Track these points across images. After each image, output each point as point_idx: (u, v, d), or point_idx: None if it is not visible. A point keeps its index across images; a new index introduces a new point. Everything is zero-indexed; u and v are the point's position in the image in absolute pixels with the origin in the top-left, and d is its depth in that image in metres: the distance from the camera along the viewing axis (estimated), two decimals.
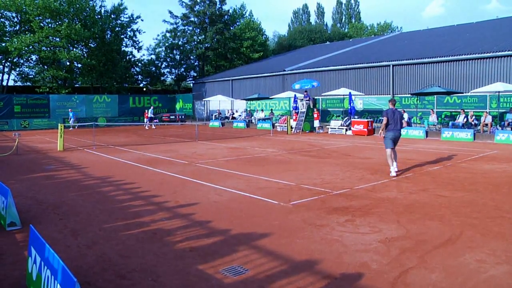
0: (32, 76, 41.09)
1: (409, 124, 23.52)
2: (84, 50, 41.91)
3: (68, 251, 5.20)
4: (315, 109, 26.54)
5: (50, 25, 37.31)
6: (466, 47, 26.09)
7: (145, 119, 35.32)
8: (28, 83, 41.77)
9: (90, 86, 43.93)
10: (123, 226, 6.23)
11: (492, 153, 14.81)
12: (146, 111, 35.48)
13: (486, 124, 20.51)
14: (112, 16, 42.75)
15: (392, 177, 10.13)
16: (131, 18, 44.17)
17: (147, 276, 4.44)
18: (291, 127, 26.38)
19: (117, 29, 43.38)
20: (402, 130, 11.05)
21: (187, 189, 8.88)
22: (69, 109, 34.76)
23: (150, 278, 4.39)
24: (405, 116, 23.55)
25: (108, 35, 42.85)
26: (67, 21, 36.71)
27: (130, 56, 47.20)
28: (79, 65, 40.79)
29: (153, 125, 34.00)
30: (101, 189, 8.92)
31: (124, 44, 45.20)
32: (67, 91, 39.01)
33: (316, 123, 26.07)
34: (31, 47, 35.69)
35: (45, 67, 38.92)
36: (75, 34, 36.29)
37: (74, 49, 39.66)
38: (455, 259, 4.80)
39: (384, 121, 10.66)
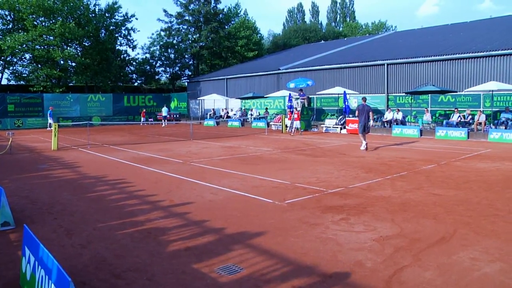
0: (25, 75, 40.79)
1: (403, 123, 23.63)
2: (78, 49, 41.70)
3: (62, 250, 5.18)
4: (295, 110, 25.51)
5: (43, 23, 37.09)
6: (460, 46, 26.20)
7: (142, 118, 35.84)
8: (22, 82, 41.49)
9: (85, 85, 43.72)
10: (118, 225, 6.21)
11: (485, 152, 14.90)
12: (144, 110, 36.30)
13: (480, 123, 20.62)
14: (107, 14, 42.59)
15: (362, 150, 15.35)
16: (126, 17, 44.04)
17: (142, 275, 4.44)
18: (286, 126, 26.38)
19: (111, 27, 43.24)
20: (370, 119, 15.34)
21: (182, 188, 8.87)
22: (50, 107, 34.49)
23: (145, 277, 4.38)
24: (399, 115, 23.70)
25: (103, 34, 42.69)
26: (61, 19, 36.48)
27: (125, 55, 47.04)
28: (73, 64, 40.58)
29: (164, 124, 34.98)
30: (96, 188, 8.89)
31: (118, 43, 45.07)
32: (61, 90, 38.80)
33: (297, 124, 24.61)
34: (24, 45, 35.46)
35: (39, 66, 38.66)
36: (69, 32, 36.09)
37: (68, 48, 39.44)
38: (449, 257, 4.83)
39: (356, 113, 15.77)
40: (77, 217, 6.67)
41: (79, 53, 40.87)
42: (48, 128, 31.13)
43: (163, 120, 35.90)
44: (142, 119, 36.82)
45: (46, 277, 3.34)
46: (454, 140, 19.31)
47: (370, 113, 15.34)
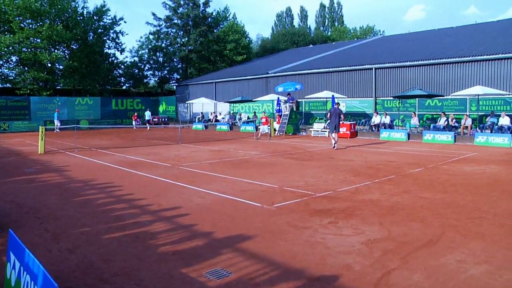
0: (12, 78, 40.26)
1: (391, 126, 23.80)
2: (66, 51, 41.34)
3: (49, 255, 5.12)
4: (263, 113, 24.53)
5: (30, 26, 36.66)
6: (447, 51, 26.50)
7: (134, 122, 35.85)
8: (8, 85, 40.95)
9: (72, 88, 43.32)
10: (106, 229, 6.16)
11: (472, 155, 15.07)
12: (135, 114, 36.30)
13: (466, 127, 20.84)
14: (95, 17, 42.28)
15: (333, 148, 17.25)
16: (114, 20, 43.76)
17: (129, 280, 4.40)
18: (274, 130, 26.43)
19: (99, 30, 42.96)
20: (340, 121, 17.92)
21: (170, 192, 8.83)
22: (56, 109, 34.39)
23: (132, 282, 4.35)
24: (387, 119, 23.87)
25: (91, 37, 42.38)
26: (48, 22, 36.13)
27: (113, 58, 46.71)
28: (61, 67, 40.21)
29: (148, 127, 34.88)
30: (83, 192, 8.81)
31: (106, 46, 44.79)
32: (48, 93, 38.40)
33: (265, 129, 23.50)
34: (10, 48, 35.05)
35: (26, 68, 38.20)
36: (57, 35, 35.75)
37: (56, 51, 39.07)
38: (436, 259, 4.87)
39: (328, 115, 18.46)
40: (64, 222, 6.59)
41: (67, 56, 40.53)
42: (57, 131, 31.03)
43: (146, 124, 36.01)
44: (134, 122, 36.68)
45: (31, 282, 3.29)
46: (441, 144, 19.50)
47: (342, 115, 18.10)
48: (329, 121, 18.76)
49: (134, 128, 35.36)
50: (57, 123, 31.95)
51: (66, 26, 38.00)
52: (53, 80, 40.13)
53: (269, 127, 23.92)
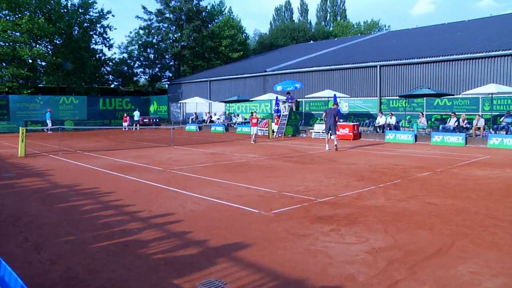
0: None
1: (397, 128, 23.84)
2: (49, 47, 41.16)
3: (29, 267, 5.08)
4: (253, 114, 24.02)
5: (8, 17, 36.24)
6: (458, 46, 26.52)
7: (124, 123, 35.85)
8: None
9: (56, 87, 43.23)
10: (92, 238, 6.13)
11: (485, 158, 15.08)
12: (125, 114, 36.29)
13: (479, 128, 20.74)
14: (80, 10, 42.09)
15: (326, 150, 17.76)
16: (101, 13, 43.67)
17: None
18: (273, 131, 26.44)
19: (85, 25, 42.83)
20: (336, 122, 18.23)
21: (161, 197, 8.81)
22: (49, 109, 34.41)
23: None
24: (393, 119, 23.89)
25: (76, 31, 42.25)
26: (28, 14, 35.66)
27: (100, 55, 46.75)
28: (43, 63, 39.95)
29: (136, 128, 34.98)
30: (68, 198, 8.77)
31: (93, 42, 44.76)
32: (29, 91, 38.21)
33: (254, 130, 22.97)
34: None
35: (4, 64, 37.85)
36: (38, 29, 35.41)
37: (37, 46, 38.85)
38: (446, 270, 4.85)
39: (323, 116, 18.77)
40: (46, 230, 6.56)
41: (50, 52, 40.35)
42: (49, 132, 31.11)
43: (134, 125, 36.04)
44: (125, 123, 36.65)
45: None
46: (451, 146, 19.52)
47: (337, 116, 18.31)
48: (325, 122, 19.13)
49: (125, 130, 35.34)
50: (49, 123, 31.99)
51: (49, 19, 37.68)
52: (34, 78, 39.86)
53: (258, 129, 23.66)
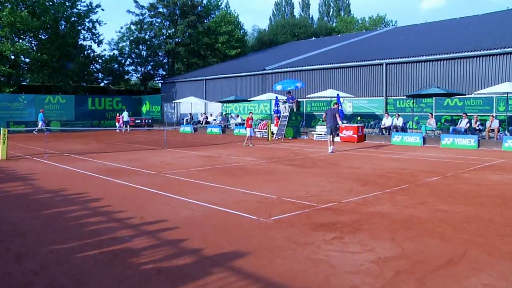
0: None
1: (404, 129, 23.85)
2: (33, 42, 41.00)
3: (9, 280, 5.02)
4: (249, 114, 23.65)
5: None
6: (470, 42, 26.43)
7: (117, 123, 35.82)
8: None
9: (41, 85, 43.16)
10: (79, 247, 6.10)
11: (499, 162, 15.07)
12: (118, 114, 36.17)
13: (493, 130, 20.71)
14: (67, 3, 41.85)
15: (328, 153, 17.89)
16: (90, 7, 43.54)
17: None
18: (272, 133, 26.45)
19: (72, 19, 42.66)
20: (338, 122, 18.61)
21: (154, 203, 8.79)
22: (41, 110, 34.47)
23: None
24: (399, 121, 23.90)
25: (62, 26, 42.09)
26: (10, 6, 35.38)
27: (89, 51, 46.76)
28: (27, 60, 39.76)
29: (127, 129, 34.96)
30: (53, 204, 8.74)
31: (81, 37, 44.71)
32: (12, 89, 38.09)
33: (249, 132, 22.28)
34: None
35: None
36: (21, 23, 35.13)
37: (20, 41, 38.65)
38: (458, 282, 4.82)
39: (323, 117, 19.46)
40: (29, 239, 6.52)
41: (34, 48, 40.24)
42: (35, 133, 31.16)
43: (123, 126, 36.07)
44: (117, 124, 36.60)
45: None
46: (462, 149, 19.51)
47: (337, 115, 18.50)
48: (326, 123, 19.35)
49: (117, 131, 35.27)
50: (41, 124, 32.01)
51: (33, 13, 37.43)
52: (17, 75, 39.71)
53: (253, 130, 23.18)
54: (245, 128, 22.83)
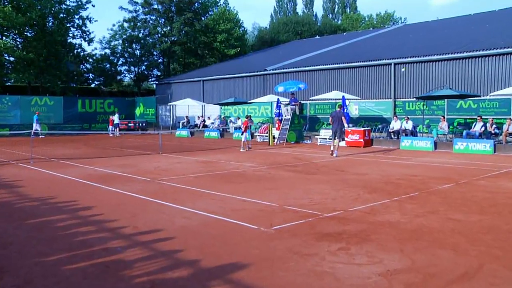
0: None
1: (414, 133, 23.83)
2: (18, 40, 40.91)
3: None
4: (247, 117, 23.71)
5: None
6: (485, 40, 26.35)
7: (110, 127, 35.78)
8: None
9: (27, 86, 43.11)
10: (67, 258, 6.08)
11: None
12: (111, 117, 36.13)
13: (510, 134, 20.65)
14: None
15: (332, 157, 18.40)
16: (79, 3, 43.48)
17: None
18: (274, 137, 26.44)
19: (61, 15, 42.55)
20: (344, 125, 19.13)
21: (148, 211, 8.79)
22: (36, 112, 34.49)
23: None
24: (409, 124, 23.86)
25: (50, 23, 41.98)
26: None
27: (79, 50, 46.70)
28: (12, 59, 39.57)
29: (116, 133, 34.77)
30: (40, 213, 8.73)
31: (70, 35, 44.65)
32: None
33: (244, 137, 22.35)
34: None
35: None
36: (4, 18, 35.04)
37: (4, 38, 38.51)
38: None
39: (330, 120, 19.78)
40: (12, 250, 6.49)
41: (20, 46, 40.15)
42: (33, 137, 31.21)
43: (114, 129, 35.91)
44: (110, 128, 36.54)
45: None
46: (476, 155, 19.44)
47: (343, 118, 19.04)
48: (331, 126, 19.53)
49: (111, 135, 35.27)
50: (36, 127, 32.08)
51: (17, 8, 37.24)
52: (1, 75, 39.58)
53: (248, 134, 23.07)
54: (242, 132, 22.80)
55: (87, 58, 47.85)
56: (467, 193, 10.58)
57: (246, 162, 17.16)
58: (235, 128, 32.34)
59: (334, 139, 19.23)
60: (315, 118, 31.33)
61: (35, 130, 30.94)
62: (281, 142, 26.42)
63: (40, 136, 31.89)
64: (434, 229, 7.43)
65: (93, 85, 51.71)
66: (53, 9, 41.55)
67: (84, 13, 44.37)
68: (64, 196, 10.41)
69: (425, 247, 6.44)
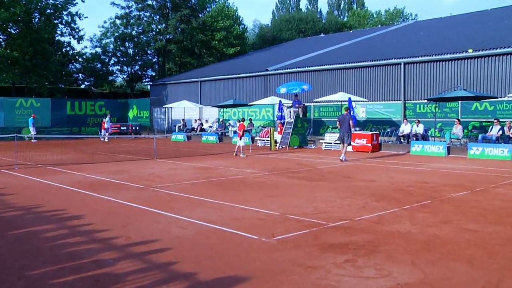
0: None
1: (425, 137, 23.79)
2: (1, 37, 40.82)
3: None
4: (238, 122, 23.39)
5: None
6: (503, 37, 26.29)
7: (102, 130, 35.74)
8: None
9: (11, 86, 43.07)
10: (54, 272, 6.06)
11: None
12: (104, 120, 36.10)
13: None
14: None
15: (341, 161, 18.83)
16: None
17: None
18: (275, 142, 26.44)
19: (48, 11, 42.39)
20: (351, 129, 19.66)
21: (141, 221, 8.78)
22: (32, 115, 34.69)
23: None
24: (420, 127, 23.81)
25: (36, 19, 41.85)
26: None
27: (68, 48, 46.74)
28: None
29: (106, 138, 34.91)
30: (24, 223, 8.71)
31: (58, 32, 44.65)
32: None
33: (241, 142, 22.37)
34: None
35: None
36: None
37: None
38: None
39: (337, 125, 20.37)
40: None
41: (3, 43, 40.08)
42: (27, 140, 31.45)
43: (105, 133, 35.88)
44: (103, 131, 36.43)
45: None
46: (493, 160, 19.41)
47: (350, 121, 19.49)
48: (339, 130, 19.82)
49: (101, 139, 35.18)
50: (32, 130, 32.15)
51: (0, 2, 37.31)
52: None
53: (245, 139, 23.00)
54: (240, 137, 22.63)
55: (77, 57, 47.88)
56: (484, 202, 10.56)
57: (246, 168, 17.17)
58: (235, 132, 32.35)
59: (343, 143, 19.79)
60: (319, 121, 31.33)
61: (32, 134, 31.17)
62: (283, 146, 26.41)
63: (32, 141, 31.98)
64: (448, 240, 7.41)
65: (83, 86, 51.79)
66: (40, 4, 41.36)
67: (73, 9, 44.45)
68: (51, 204, 10.40)
69: (438, 260, 6.41)
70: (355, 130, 24.97)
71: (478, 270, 6.04)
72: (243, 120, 23.54)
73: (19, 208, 10.07)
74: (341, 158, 19.24)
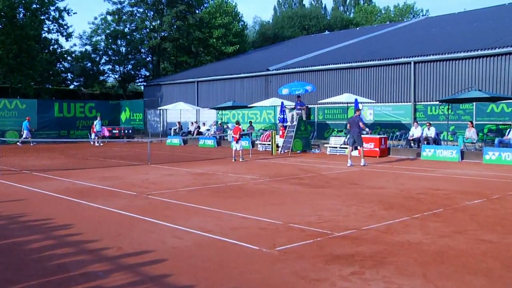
0: None
1: (437, 141, 23.78)
2: None
3: None
4: (237, 123, 23.64)
5: None
6: None
7: (92, 134, 35.72)
8: None
9: None
10: (40, 286, 6.04)
11: None
12: (94, 122, 36.08)
13: None
14: None
15: (348, 167, 18.98)
16: None
17: None
18: (277, 146, 26.43)
19: (34, 6, 42.24)
20: (361, 131, 20.00)
21: (134, 230, 8.77)
22: (27, 118, 34.83)
23: None
24: (431, 131, 23.79)
25: (21, 15, 41.81)
26: None
27: (56, 46, 46.73)
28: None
29: (97, 142, 34.89)
30: (8, 234, 8.70)
31: (45, 29, 44.58)
32: None
33: (238, 146, 22.43)
34: None
35: None
36: None
37: None
38: None
39: (348, 127, 20.56)
40: None
41: None
42: (20, 145, 31.55)
43: (95, 137, 35.88)
44: (93, 135, 36.38)
45: None
46: (511, 166, 19.41)
47: (360, 123, 19.84)
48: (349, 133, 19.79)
49: (92, 143, 35.14)
50: (27, 134, 32.25)
51: None
52: None
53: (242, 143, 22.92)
54: (237, 141, 22.56)
55: (65, 55, 47.84)
56: (501, 210, 10.54)
57: (246, 174, 17.17)
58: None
59: (352, 148, 20.13)
60: (324, 124, 31.35)
61: (24, 138, 31.19)
62: (285, 151, 26.41)
63: (18, 144, 32.05)
64: (462, 251, 7.39)
65: (72, 87, 51.85)
66: None
67: (61, 4, 44.81)
68: (37, 213, 10.39)
69: (451, 272, 6.40)
70: (365, 131, 24.93)
71: (495, 284, 6.01)
72: (238, 123, 23.55)
73: (3, 217, 10.04)
74: (350, 164, 19.38)
